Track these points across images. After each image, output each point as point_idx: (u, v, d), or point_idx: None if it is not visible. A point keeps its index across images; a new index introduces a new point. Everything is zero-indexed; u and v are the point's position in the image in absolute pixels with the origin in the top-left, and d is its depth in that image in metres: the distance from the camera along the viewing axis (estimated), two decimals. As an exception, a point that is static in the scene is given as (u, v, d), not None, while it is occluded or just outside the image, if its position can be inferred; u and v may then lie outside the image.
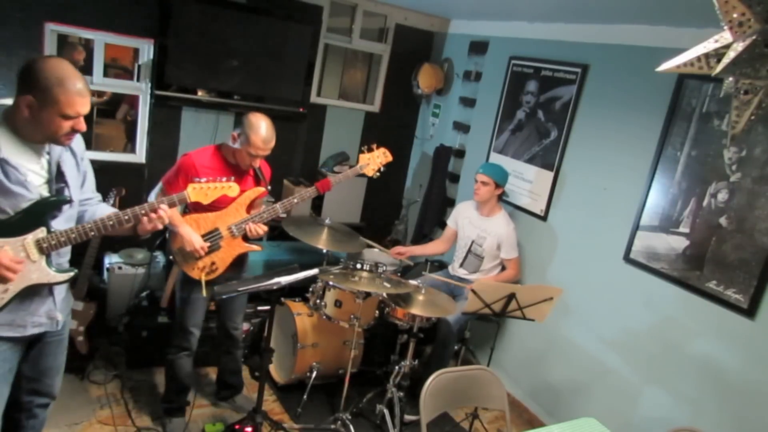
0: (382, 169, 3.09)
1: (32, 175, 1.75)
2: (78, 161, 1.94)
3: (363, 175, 3.06)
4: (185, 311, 2.80)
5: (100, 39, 3.60)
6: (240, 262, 2.81)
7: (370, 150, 3.05)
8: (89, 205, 2.04)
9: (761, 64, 1.18)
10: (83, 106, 1.72)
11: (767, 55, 1.16)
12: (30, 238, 1.74)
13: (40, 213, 1.76)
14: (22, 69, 1.68)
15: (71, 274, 1.89)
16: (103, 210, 2.04)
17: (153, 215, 1.91)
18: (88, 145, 3.92)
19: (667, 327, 3.01)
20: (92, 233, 1.82)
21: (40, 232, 1.76)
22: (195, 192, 2.06)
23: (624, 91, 3.28)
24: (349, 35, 4.51)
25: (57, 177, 1.82)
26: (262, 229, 2.68)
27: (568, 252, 3.61)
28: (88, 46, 3.65)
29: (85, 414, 2.97)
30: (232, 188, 2.14)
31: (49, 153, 1.81)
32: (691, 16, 2.66)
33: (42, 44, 3.40)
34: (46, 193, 1.79)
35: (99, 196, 2.12)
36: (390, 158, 3.11)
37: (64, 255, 1.93)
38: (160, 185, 2.69)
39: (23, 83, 1.66)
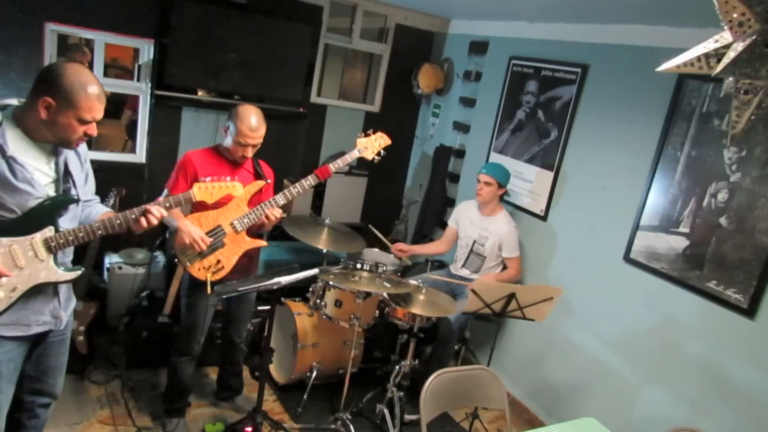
0: (382, 153, 2.98)
1: (39, 173, 1.77)
2: (82, 162, 1.98)
3: (362, 159, 2.96)
4: (190, 317, 2.78)
5: (100, 39, 3.60)
6: (247, 265, 2.79)
7: (367, 135, 2.97)
8: (88, 206, 2.08)
9: (761, 64, 1.18)
10: (100, 111, 1.78)
11: (767, 55, 1.16)
12: (38, 237, 1.77)
13: (47, 212, 1.78)
14: (44, 71, 1.73)
15: (78, 272, 1.91)
16: (99, 210, 2.08)
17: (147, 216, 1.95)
18: (89, 145, 3.97)
19: (667, 327, 3.01)
20: (99, 232, 1.86)
21: (48, 231, 1.78)
22: (200, 191, 2.11)
23: (624, 91, 3.28)
24: (349, 35, 4.51)
25: (64, 176, 1.85)
26: (278, 211, 2.67)
27: (568, 252, 3.61)
28: (91, 47, 3.65)
29: (85, 414, 2.97)
30: (236, 188, 2.20)
31: (56, 153, 1.84)
32: (691, 16, 2.66)
33: (42, 44, 3.40)
34: (52, 193, 1.80)
35: (98, 198, 2.16)
36: (388, 141, 2.99)
37: (68, 254, 1.96)
38: (165, 192, 2.68)
39: (44, 84, 1.70)
